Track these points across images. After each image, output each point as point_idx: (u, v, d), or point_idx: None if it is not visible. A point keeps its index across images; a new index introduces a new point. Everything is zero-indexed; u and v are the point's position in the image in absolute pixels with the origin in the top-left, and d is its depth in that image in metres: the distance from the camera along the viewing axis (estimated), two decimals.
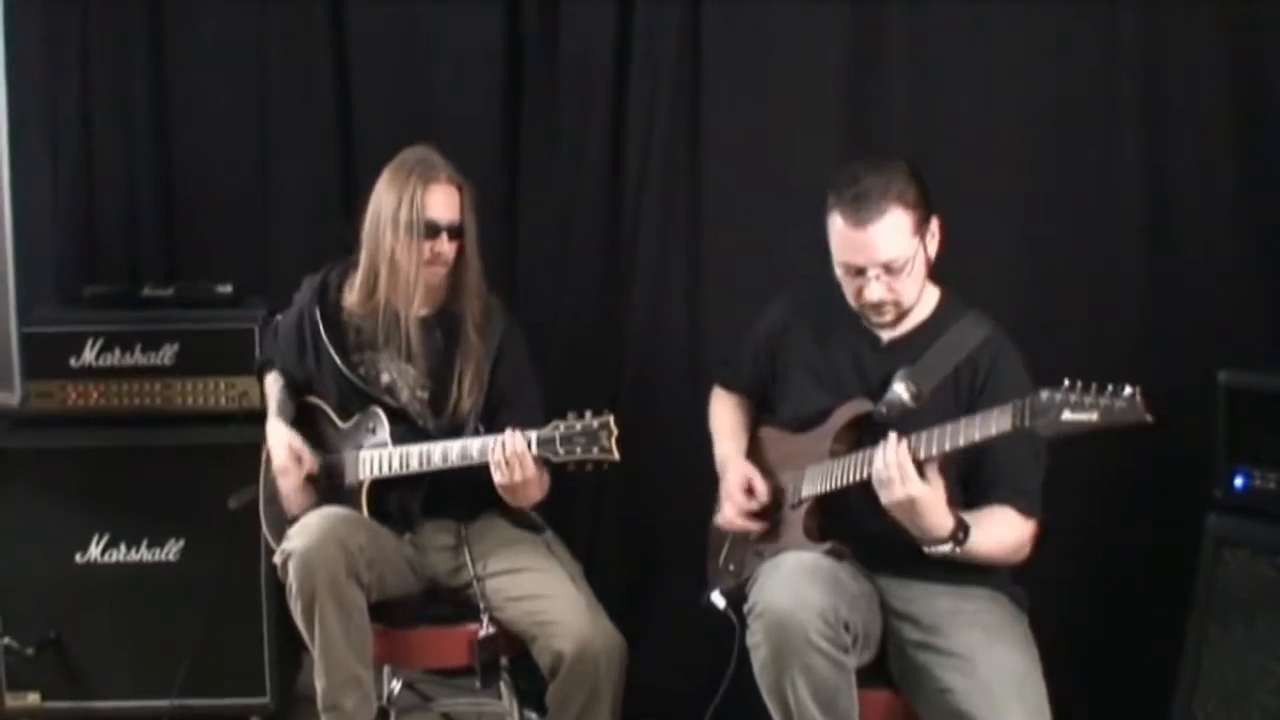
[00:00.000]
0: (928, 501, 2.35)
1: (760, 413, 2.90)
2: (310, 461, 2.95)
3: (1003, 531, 2.47)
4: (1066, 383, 2.17)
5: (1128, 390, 2.12)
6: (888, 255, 2.50)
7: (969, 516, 2.42)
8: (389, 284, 2.91)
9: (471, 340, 2.95)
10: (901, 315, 2.60)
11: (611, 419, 2.61)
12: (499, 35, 3.68)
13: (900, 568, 2.56)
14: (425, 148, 2.96)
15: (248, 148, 3.88)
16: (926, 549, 2.40)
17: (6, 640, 3.34)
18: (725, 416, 2.94)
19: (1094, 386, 2.15)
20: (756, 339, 2.85)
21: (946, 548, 2.38)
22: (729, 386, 2.97)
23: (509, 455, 2.69)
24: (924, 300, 2.62)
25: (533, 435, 2.67)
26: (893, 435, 2.38)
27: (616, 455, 2.61)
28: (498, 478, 2.72)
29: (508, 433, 2.70)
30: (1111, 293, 3.22)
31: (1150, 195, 3.18)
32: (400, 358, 2.97)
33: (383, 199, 2.91)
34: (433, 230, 2.88)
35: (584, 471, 2.68)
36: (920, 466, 2.35)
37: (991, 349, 2.56)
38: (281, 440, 2.97)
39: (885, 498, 2.37)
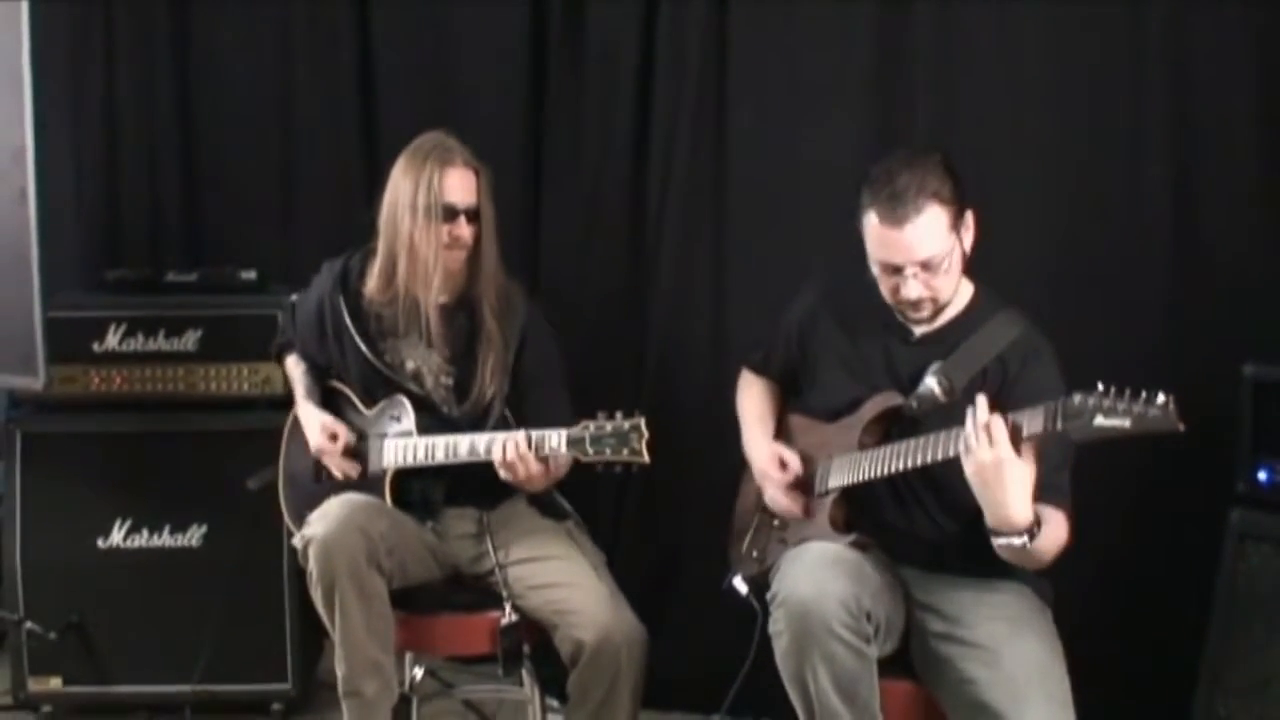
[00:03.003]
0: (1016, 475, 2.23)
1: (789, 397, 2.88)
2: (345, 435, 2.96)
3: (1059, 531, 2.39)
4: (1099, 387, 2.14)
5: (1160, 398, 2.09)
6: (926, 253, 2.45)
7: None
8: (408, 270, 2.90)
9: (491, 327, 2.94)
10: (938, 311, 2.55)
11: (642, 421, 2.59)
12: (524, 27, 3.68)
13: (924, 560, 2.55)
14: (441, 133, 2.96)
15: (272, 134, 3.90)
16: (997, 540, 2.30)
17: (29, 624, 3.35)
18: (753, 401, 2.91)
19: (1127, 392, 2.12)
20: (788, 325, 2.83)
21: (1020, 540, 2.27)
22: (758, 371, 2.94)
23: (509, 460, 2.70)
24: (957, 295, 2.58)
25: (562, 434, 2.66)
26: (981, 398, 2.28)
27: (646, 458, 2.59)
28: (503, 475, 2.74)
29: (510, 435, 2.71)
30: (1137, 286, 3.20)
31: (1176, 189, 3.16)
32: (423, 344, 2.97)
33: (400, 184, 2.90)
34: (450, 213, 2.87)
35: (613, 471, 2.67)
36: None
37: (1023, 349, 2.51)
38: (314, 422, 2.98)
39: (971, 464, 2.26)
